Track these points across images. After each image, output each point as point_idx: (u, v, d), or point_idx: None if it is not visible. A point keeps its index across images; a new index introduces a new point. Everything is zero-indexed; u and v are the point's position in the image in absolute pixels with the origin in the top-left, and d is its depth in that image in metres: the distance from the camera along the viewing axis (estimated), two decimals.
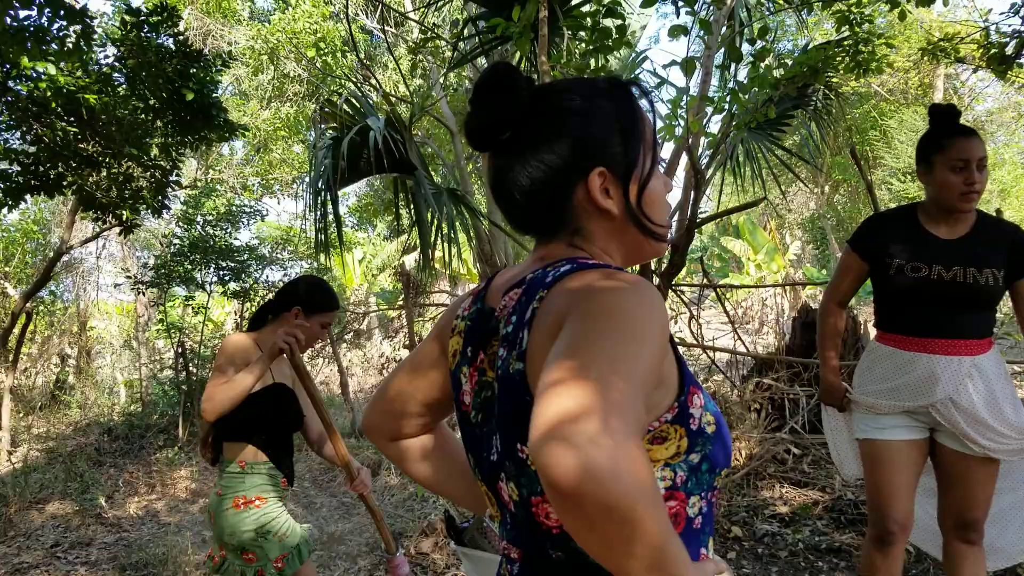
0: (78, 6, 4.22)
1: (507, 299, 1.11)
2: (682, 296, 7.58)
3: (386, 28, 9.34)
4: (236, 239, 10.27)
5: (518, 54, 5.21)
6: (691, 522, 1.03)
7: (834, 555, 4.38)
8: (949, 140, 2.66)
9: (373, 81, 7.82)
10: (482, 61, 7.34)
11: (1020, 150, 20.26)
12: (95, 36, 4.36)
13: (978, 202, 2.65)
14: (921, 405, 2.63)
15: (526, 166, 1.12)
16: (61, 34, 4.19)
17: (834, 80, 7.26)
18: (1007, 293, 2.69)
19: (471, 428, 1.18)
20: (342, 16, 8.07)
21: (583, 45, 4.69)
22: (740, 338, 7.30)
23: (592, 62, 5.42)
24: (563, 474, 0.74)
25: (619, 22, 4.77)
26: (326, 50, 10.15)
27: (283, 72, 11.23)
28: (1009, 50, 6.46)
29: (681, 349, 6.86)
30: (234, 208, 10.24)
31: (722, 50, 6.89)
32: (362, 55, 9.39)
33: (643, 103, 1.17)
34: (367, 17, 10.16)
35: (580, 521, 0.77)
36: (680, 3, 4.72)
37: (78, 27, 4.17)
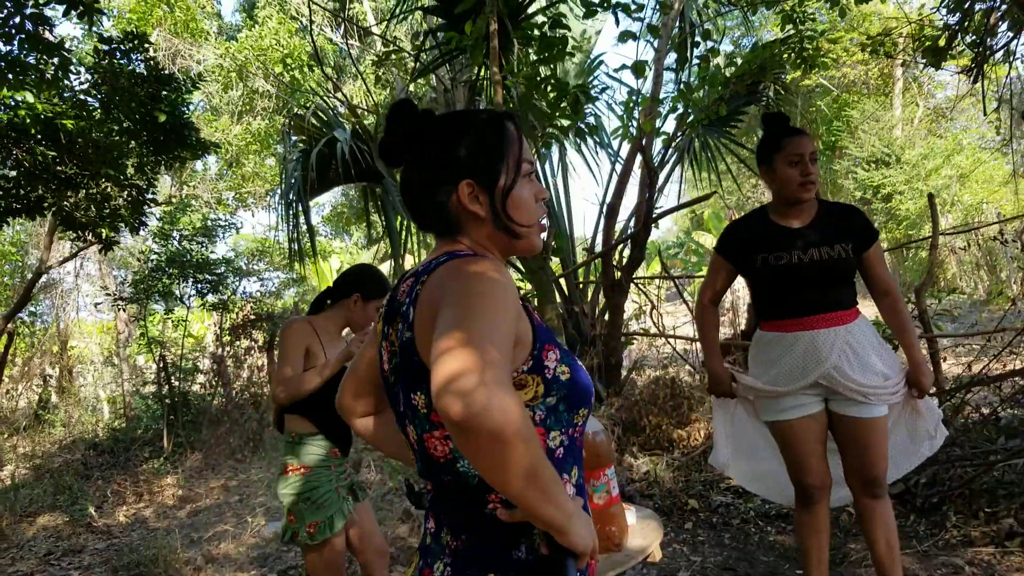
0: (55, 39, 4.49)
1: (404, 286, 1.45)
2: (643, 288, 7.88)
3: (350, 41, 9.60)
4: (212, 252, 10.51)
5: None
6: (552, 452, 1.35)
7: (782, 520, 4.71)
8: (786, 139, 3.00)
9: (340, 94, 8.08)
10: (444, 71, 7.64)
11: (979, 135, 20.72)
12: (71, 65, 4.63)
13: (815, 191, 3.00)
14: (812, 380, 2.95)
15: (416, 179, 1.46)
16: (40, 66, 4.46)
17: (790, 76, 7.58)
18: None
19: (390, 389, 1.50)
20: (307, 32, 8.33)
21: (532, 55, 4.98)
22: None
23: (543, 70, 5.74)
24: (456, 414, 1.07)
25: (565, 32, 5.07)
26: (293, 65, 10.41)
27: (252, 88, 11.47)
28: (941, 42, 6.81)
29: (644, 339, 7.15)
30: (209, 222, 10.47)
31: (674, 52, 7.24)
32: (330, 68, 9.65)
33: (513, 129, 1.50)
34: (332, 31, 10.41)
35: (472, 449, 1.11)
36: (620, 11, 5.00)
37: (56, 60, 4.44)
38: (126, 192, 6.10)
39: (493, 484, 1.15)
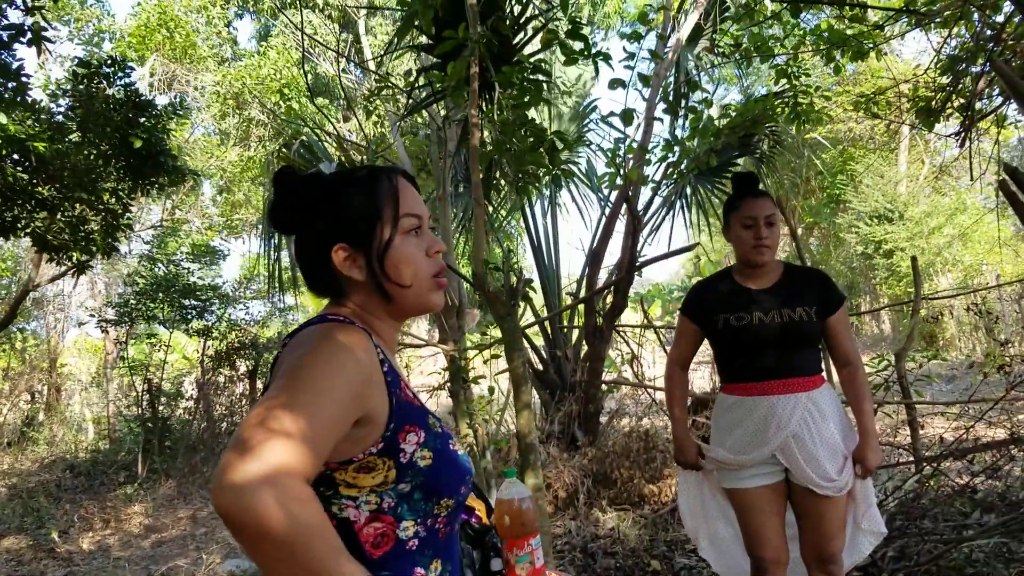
0: (15, 62, 4.49)
1: (280, 347, 1.36)
2: (623, 336, 7.79)
3: (342, 76, 9.63)
4: (200, 278, 10.48)
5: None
6: (403, 543, 1.26)
7: None
8: (740, 201, 2.97)
9: (330, 126, 8.09)
10: (438, 108, 7.63)
11: (984, 195, 20.70)
12: (30, 91, 4.63)
13: (772, 255, 2.93)
14: (770, 450, 2.85)
15: (301, 245, 1.40)
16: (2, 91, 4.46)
17: (797, 129, 7.55)
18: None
19: None
20: (303, 64, 8.35)
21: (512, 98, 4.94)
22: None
23: (528, 112, 5.70)
24: (217, 504, 0.99)
25: (542, 79, 5.03)
26: (290, 96, 10.45)
27: (248, 116, 11.51)
28: (934, 104, 6.77)
29: (623, 388, 7.04)
30: (197, 249, 10.47)
31: (663, 103, 7.20)
32: (341, 98, 9.66)
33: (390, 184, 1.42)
34: (331, 65, 10.45)
35: (239, 538, 1.01)
36: (601, 60, 4.96)
37: (12, 84, 4.43)
38: (100, 217, 6.07)
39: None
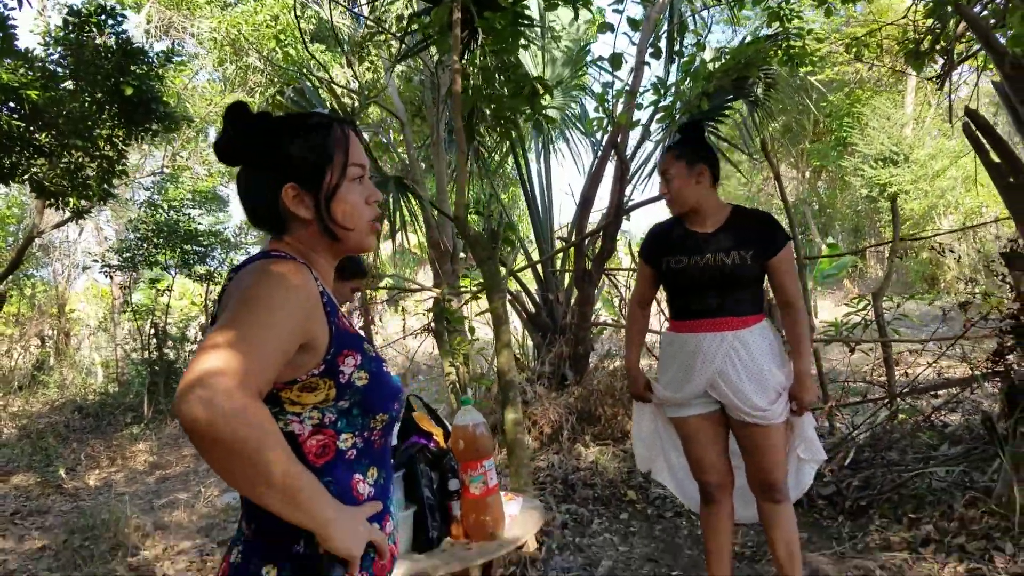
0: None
1: (226, 280, 1.49)
2: (613, 279, 7.92)
3: (341, 21, 9.65)
4: (200, 224, 10.63)
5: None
6: (343, 453, 1.40)
7: None
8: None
9: (325, 73, 8.14)
10: (431, 53, 7.65)
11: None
12: (17, 39, 4.72)
13: (678, 207, 3.08)
14: (700, 386, 3.00)
15: (247, 180, 1.51)
16: None
17: (792, 72, 7.56)
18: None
19: None
20: (295, 9, 8.36)
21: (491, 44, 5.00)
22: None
23: (513, 58, 5.77)
24: (185, 417, 1.13)
25: (527, 23, 5.09)
26: (286, 42, 10.46)
27: (246, 63, 11.52)
28: (924, 46, 6.77)
29: (610, 330, 7.18)
30: (199, 195, 10.59)
31: (663, 45, 7.22)
32: (346, 45, 9.66)
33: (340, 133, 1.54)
34: (322, 9, 10.42)
35: (203, 452, 1.16)
36: (580, 5, 5.02)
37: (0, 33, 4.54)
38: (96, 163, 6.19)
39: (231, 486, 1.20)
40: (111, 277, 11.62)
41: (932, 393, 5.27)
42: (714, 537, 3.20)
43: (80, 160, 6.13)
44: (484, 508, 2.57)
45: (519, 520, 2.74)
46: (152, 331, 11.09)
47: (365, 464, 1.44)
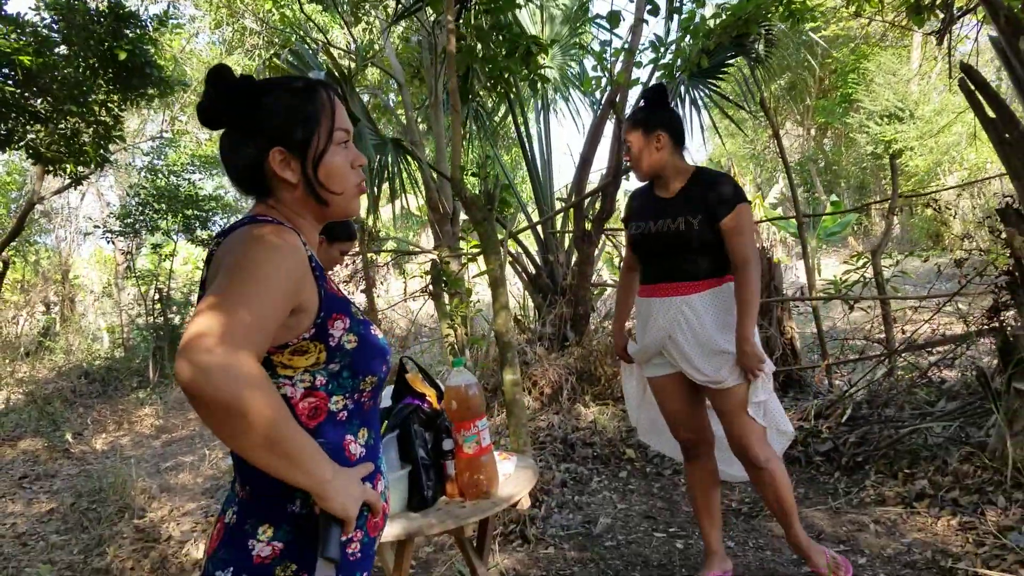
0: None
1: (212, 245, 1.50)
2: (613, 240, 7.91)
3: None
4: (202, 189, 10.62)
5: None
6: (334, 415, 1.43)
7: None
8: None
9: (320, 35, 8.08)
10: (428, 13, 7.58)
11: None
12: (7, 5, 4.69)
13: (642, 174, 3.08)
14: (653, 347, 3.05)
15: (233, 144, 1.49)
16: None
17: (793, 28, 7.47)
18: None
19: None
20: None
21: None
22: None
23: (507, 16, 5.72)
24: (182, 380, 1.15)
25: None
26: (283, 3, 10.35)
27: (243, 26, 11.43)
28: (925, 0, 6.69)
29: (611, 290, 7.18)
30: (198, 159, 10.57)
31: (661, 2, 7.14)
32: (345, 5, 9.56)
33: (328, 97, 1.54)
34: None
35: (201, 414, 1.18)
36: None
37: None
38: (92, 129, 6.18)
39: (233, 449, 1.22)
40: (113, 243, 11.65)
41: (929, 350, 5.29)
42: (699, 494, 3.26)
43: (76, 126, 6.12)
44: (478, 467, 2.59)
45: (513, 478, 2.77)
46: (156, 296, 11.13)
47: (356, 425, 1.47)
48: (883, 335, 5.82)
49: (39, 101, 5.87)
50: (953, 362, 5.10)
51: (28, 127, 5.89)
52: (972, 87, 3.84)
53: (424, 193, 7.73)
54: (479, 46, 4.83)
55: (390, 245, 11.06)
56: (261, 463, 1.21)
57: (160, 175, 10.26)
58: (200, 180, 10.82)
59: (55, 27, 5.75)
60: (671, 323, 2.96)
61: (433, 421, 2.69)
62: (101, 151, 6.20)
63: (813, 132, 28.30)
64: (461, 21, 5.30)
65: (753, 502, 4.32)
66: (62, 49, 5.81)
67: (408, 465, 2.59)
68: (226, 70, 1.50)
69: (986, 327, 4.46)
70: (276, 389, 1.23)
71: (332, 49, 7.58)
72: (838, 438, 4.82)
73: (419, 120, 8.65)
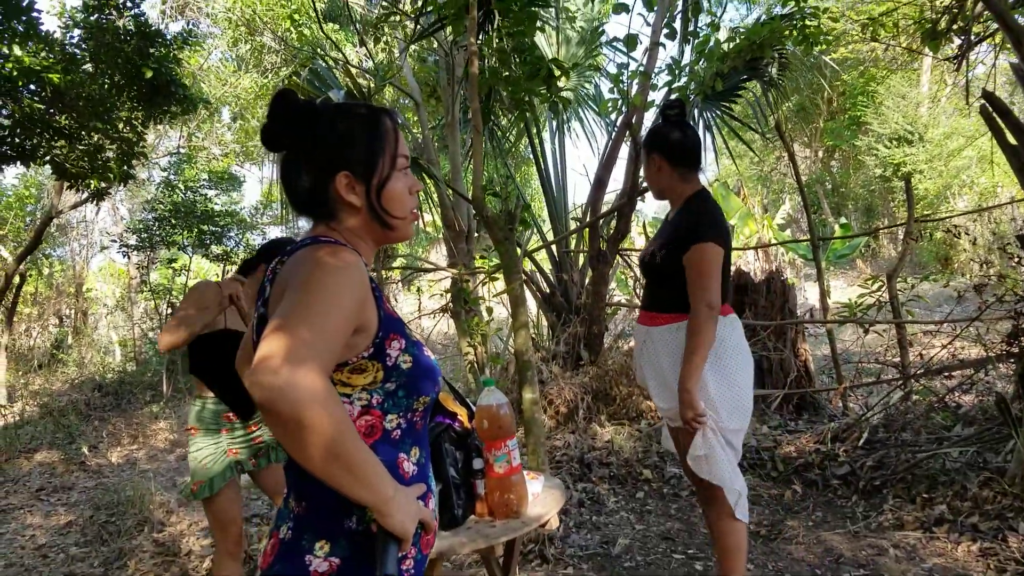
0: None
1: (274, 263, 1.55)
2: (627, 260, 7.95)
3: (350, 3, 9.65)
4: (216, 204, 10.71)
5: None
6: (389, 433, 1.47)
7: None
8: None
9: (339, 54, 8.16)
10: (446, 33, 7.66)
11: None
12: (42, 24, 4.78)
13: (656, 194, 3.07)
14: (639, 372, 3.07)
15: (298, 167, 1.54)
16: (15, 25, 4.62)
17: (806, 52, 7.53)
18: None
19: None
20: None
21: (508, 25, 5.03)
22: None
23: (530, 39, 5.78)
24: (257, 395, 1.19)
25: (543, 4, 5.11)
26: (301, 21, 10.46)
27: (260, 43, 11.55)
28: (941, 26, 6.74)
29: (624, 310, 7.20)
30: (214, 175, 10.66)
31: (677, 25, 7.20)
32: (358, 23, 9.66)
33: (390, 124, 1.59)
34: None
35: (275, 429, 1.22)
36: None
37: (23, 18, 4.59)
38: (116, 145, 6.27)
39: (301, 464, 1.24)
40: (129, 256, 11.73)
41: (946, 374, 5.30)
42: None
43: (100, 142, 6.20)
44: (508, 486, 2.63)
45: (542, 498, 2.80)
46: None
47: (408, 444, 1.50)
48: (898, 359, 5.84)
49: (63, 117, 5.95)
50: (971, 387, 5.11)
51: (53, 143, 5.97)
52: (993, 113, 3.88)
53: (439, 211, 7.80)
54: (504, 67, 4.89)
55: (399, 261, 11.12)
56: (326, 478, 1.24)
57: (176, 191, 10.35)
58: (215, 196, 10.89)
59: (83, 45, 5.85)
60: (639, 352, 2.99)
61: (464, 440, 2.72)
62: (125, 167, 6.28)
63: (821, 154, 28.34)
64: (481, 42, 5.36)
65: (771, 525, 4.33)
66: (88, 66, 5.90)
67: (439, 483, 2.62)
68: (291, 95, 1.54)
69: (1005, 352, 4.48)
70: (342, 406, 1.26)
71: (350, 68, 7.66)
72: (855, 462, 4.83)
73: (434, 139, 8.72)
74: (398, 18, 8.40)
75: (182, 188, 10.41)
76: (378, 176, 1.52)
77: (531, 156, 8.64)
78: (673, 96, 6.98)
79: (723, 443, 2.76)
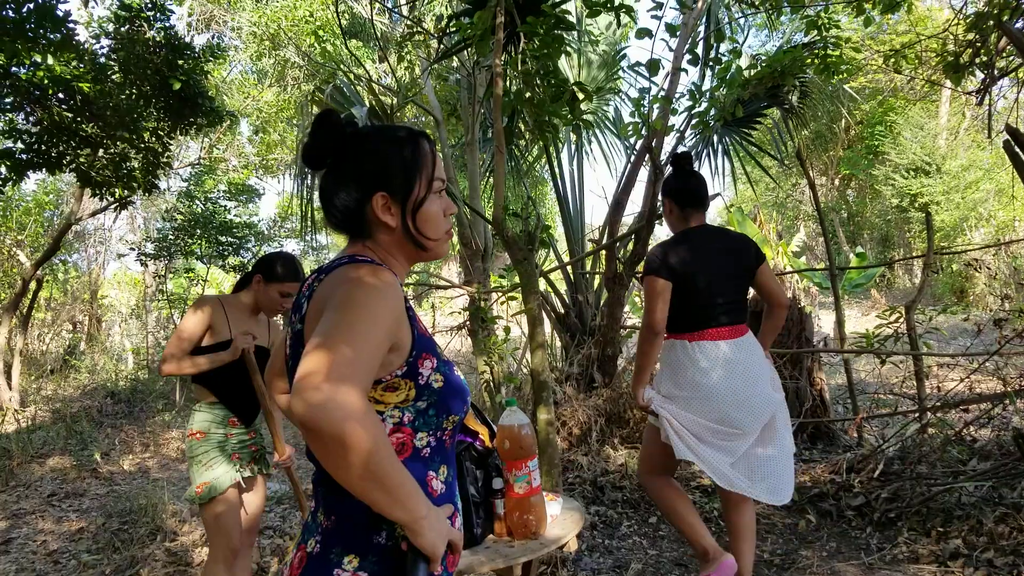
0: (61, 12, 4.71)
1: (310, 279, 1.57)
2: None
3: (375, 20, 9.73)
4: (236, 216, 10.79)
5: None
6: (419, 451, 1.48)
7: None
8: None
9: (363, 70, 8.23)
10: (469, 53, 7.72)
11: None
12: (77, 36, 4.86)
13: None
14: None
15: (336, 186, 1.58)
16: (51, 35, 4.70)
17: (827, 81, 7.56)
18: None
19: (290, 373, 1.63)
20: (337, 5, 8.46)
21: (534, 48, 5.06)
22: None
23: (548, 63, 5.81)
24: (298, 412, 1.21)
25: (568, 28, 5.14)
26: (325, 37, 10.57)
27: (284, 58, 11.67)
28: (963, 59, 6.75)
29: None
30: (233, 187, 10.75)
31: (699, 51, 7.24)
32: (376, 40, 9.74)
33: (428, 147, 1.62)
34: (362, 8, 10.52)
35: (314, 446, 1.24)
36: (623, 12, 5.06)
37: (62, 29, 4.66)
38: (142, 155, 6.34)
39: (337, 480, 1.26)
40: (146, 265, 11.81)
41: (963, 408, 5.28)
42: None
43: (125, 152, 6.28)
44: (527, 507, 2.63)
45: (560, 520, 2.80)
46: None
47: (437, 462, 1.52)
48: (914, 390, 5.81)
49: (90, 126, 6.02)
50: (988, 421, 5.09)
51: (79, 151, 6.04)
52: (1017, 148, 3.88)
53: (457, 229, 7.82)
54: (528, 89, 4.92)
55: (413, 278, 11.15)
56: (362, 495, 1.26)
57: (197, 201, 10.44)
58: (234, 208, 10.98)
59: (113, 56, 5.93)
60: None
61: (484, 459, 2.73)
62: (149, 176, 6.35)
63: (837, 182, 28.36)
64: (506, 64, 5.40)
65: (784, 554, 4.31)
66: (116, 76, 5.98)
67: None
68: (333, 115, 1.58)
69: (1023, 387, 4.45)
70: (381, 424, 1.27)
71: (373, 85, 7.73)
72: (870, 493, 4.80)
73: (453, 157, 8.76)
74: (422, 37, 8.48)
75: (201, 199, 10.49)
76: (414, 198, 1.56)
77: (547, 176, 8.67)
78: (693, 121, 7.02)
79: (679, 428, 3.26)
